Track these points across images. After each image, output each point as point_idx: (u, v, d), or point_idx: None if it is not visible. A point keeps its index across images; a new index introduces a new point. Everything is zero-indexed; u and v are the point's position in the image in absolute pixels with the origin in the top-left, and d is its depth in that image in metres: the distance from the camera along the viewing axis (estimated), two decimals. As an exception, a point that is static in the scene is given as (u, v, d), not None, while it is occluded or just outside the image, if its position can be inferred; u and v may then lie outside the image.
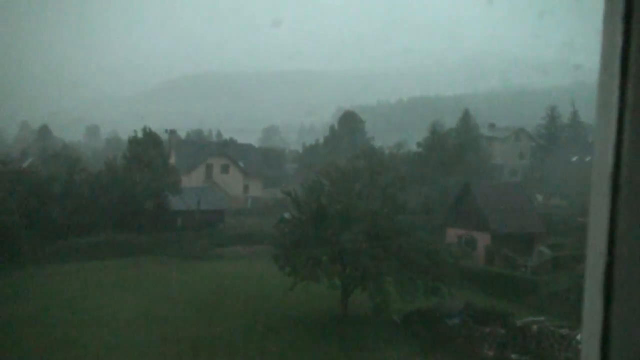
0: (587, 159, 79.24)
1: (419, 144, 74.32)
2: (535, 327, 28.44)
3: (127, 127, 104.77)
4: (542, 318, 30.29)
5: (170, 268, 47.73)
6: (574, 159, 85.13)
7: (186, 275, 44.90)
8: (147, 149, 63.59)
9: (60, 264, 47.46)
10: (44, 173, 62.41)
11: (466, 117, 76.82)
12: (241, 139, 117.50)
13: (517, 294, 37.96)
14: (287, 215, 38.39)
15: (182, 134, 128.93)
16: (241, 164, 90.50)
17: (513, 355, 27.78)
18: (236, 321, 32.64)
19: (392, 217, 33.40)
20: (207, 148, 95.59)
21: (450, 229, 51.39)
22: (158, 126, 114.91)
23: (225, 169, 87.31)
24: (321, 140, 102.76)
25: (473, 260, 45.44)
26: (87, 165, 70.40)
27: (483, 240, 48.13)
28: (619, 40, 1.39)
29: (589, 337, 1.46)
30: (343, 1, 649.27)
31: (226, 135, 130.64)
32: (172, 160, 78.60)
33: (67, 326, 30.99)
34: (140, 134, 63.98)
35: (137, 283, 42.26)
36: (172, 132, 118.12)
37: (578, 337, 24.62)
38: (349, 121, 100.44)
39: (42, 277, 43.41)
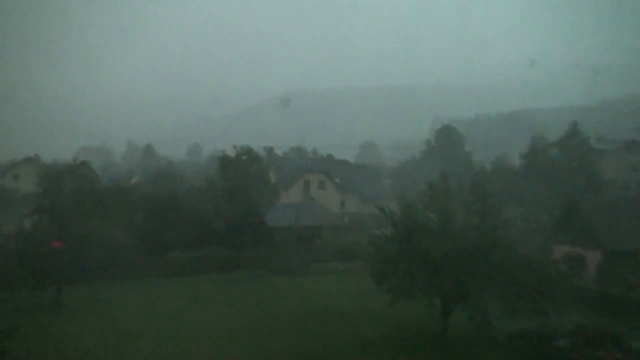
0: None
1: (522, 157, 72.01)
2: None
3: (227, 145, 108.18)
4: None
5: (269, 283, 48.68)
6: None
7: (284, 290, 45.60)
8: (246, 167, 65.42)
9: (164, 278, 49.47)
10: (149, 190, 65.33)
11: (574, 129, 73.40)
12: (338, 156, 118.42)
13: (633, 316, 35.65)
14: (378, 232, 38.03)
15: (280, 152, 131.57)
16: (338, 180, 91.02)
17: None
18: (334, 338, 32.65)
19: (494, 233, 32.34)
20: (304, 165, 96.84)
21: (556, 246, 49.17)
22: (257, 144, 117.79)
23: (322, 185, 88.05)
24: (418, 155, 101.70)
25: (582, 279, 43.21)
26: (189, 183, 73.22)
27: (593, 258, 45.68)
28: None
29: None
30: (436, 15, 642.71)
31: (323, 152, 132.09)
32: (271, 177, 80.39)
33: (172, 340, 32.11)
34: (237, 152, 65.88)
35: (237, 298, 43.30)
36: (270, 150, 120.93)
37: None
38: (447, 135, 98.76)
39: (146, 291, 45.28)
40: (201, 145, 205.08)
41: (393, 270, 31.48)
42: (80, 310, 39.21)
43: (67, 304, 40.11)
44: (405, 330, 34.05)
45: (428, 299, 30.29)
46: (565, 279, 33.25)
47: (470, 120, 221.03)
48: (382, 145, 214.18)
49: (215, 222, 56.97)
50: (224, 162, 65.65)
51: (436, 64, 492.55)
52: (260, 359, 29.41)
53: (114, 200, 53.91)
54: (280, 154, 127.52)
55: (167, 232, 54.32)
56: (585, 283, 42.44)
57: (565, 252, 47.35)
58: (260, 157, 72.60)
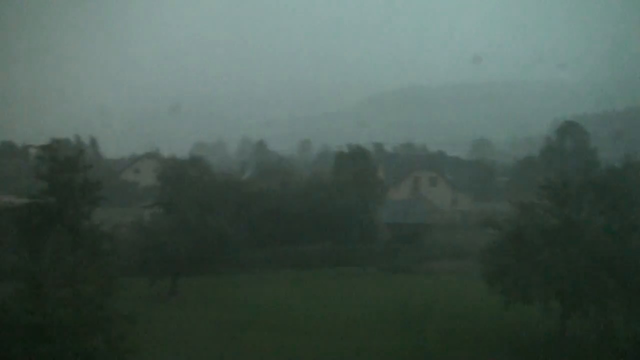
0: None
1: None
2: None
3: (337, 141, 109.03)
4: None
5: (378, 280, 48.56)
6: None
7: (394, 287, 45.30)
8: (355, 163, 65.84)
9: (274, 271, 50.57)
10: (261, 184, 67.03)
11: None
12: (450, 152, 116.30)
13: None
14: (492, 232, 36.74)
15: (390, 148, 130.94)
16: (449, 177, 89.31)
17: None
18: (446, 336, 32.07)
19: (622, 237, 30.40)
20: (414, 161, 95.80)
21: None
22: (366, 140, 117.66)
23: (433, 182, 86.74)
24: (535, 152, 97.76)
25: None
26: (299, 179, 74.48)
27: None
28: None
29: None
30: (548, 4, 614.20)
31: (434, 149, 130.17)
32: (380, 173, 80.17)
33: (286, 332, 32.89)
34: (347, 148, 66.35)
35: (347, 293, 43.51)
36: (380, 146, 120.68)
37: None
38: (570, 132, 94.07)
39: (259, 284, 46.45)
40: (311, 141, 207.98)
41: (506, 272, 30.41)
42: (196, 300, 40.88)
43: (183, 294, 41.90)
44: (519, 334, 32.78)
45: (545, 302, 29.00)
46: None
47: (596, 116, 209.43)
48: (497, 141, 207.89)
49: (323, 218, 57.53)
50: (338, 158, 66.40)
51: (552, 58, 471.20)
52: (375, 355, 29.51)
53: (228, 194, 55.72)
54: (390, 151, 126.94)
55: (278, 226, 55.47)
56: None
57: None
58: (370, 154, 72.65)
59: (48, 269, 21.29)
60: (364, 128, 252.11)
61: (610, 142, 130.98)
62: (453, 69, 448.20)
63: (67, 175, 28.81)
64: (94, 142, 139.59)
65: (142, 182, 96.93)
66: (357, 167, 66.37)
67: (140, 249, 43.31)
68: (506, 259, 31.22)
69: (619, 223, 30.68)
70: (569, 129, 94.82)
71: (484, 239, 36.44)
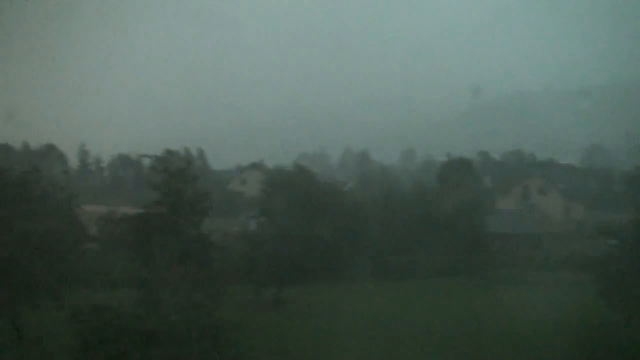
0: None
1: None
2: None
3: (441, 151, 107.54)
4: None
5: (485, 291, 47.20)
6: None
7: (502, 300, 43.82)
8: (458, 172, 64.74)
9: (378, 282, 50.27)
10: (363, 194, 67.08)
11: None
12: (561, 160, 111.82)
13: None
14: (609, 243, 34.79)
15: (497, 156, 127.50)
16: (561, 185, 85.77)
17: None
18: (557, 355, 30.48)
19: None
20: (523, 169, 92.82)
21: None
22: (472, 148, 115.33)
23: (543, 191, 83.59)
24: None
25: None
26: (402, 188, 73.96)
27: None
28: None
29: None
30: None
31: (543, 156, 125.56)
32: (487, 182, 78.29)
33: (381, 342, 32.44)
34: (450, 157, 65.35)
35: (448, 304, 42.68)
36: (485, 154, 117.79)
37: None
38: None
39: (361, 294, 46.35)
40: (415, 150, 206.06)
41: (623, 288, 28.67)
42: (301, 309, 41.28)
43: (286, 303, 42.48)
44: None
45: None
46: None
47: None
48: (613, 148, 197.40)
49: (427, 228, 56.75)
50: (442, 168, 65.73)
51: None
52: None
53: (332, 204, 56.03)
54: (497, 159, 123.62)
55: (382, 236, 55.21)
56: None
57: None
58: (473, 163, 71.13)
59: (160, 276, 22.19)
60: (468, 137, 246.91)
61: None
62: (561, 74, 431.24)
63: (177, 186, 30.00)
64: (201, 153, 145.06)
65: (247, 193, 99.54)
66: (461, 176, 65.19)
67: (247, 258, 44.36)
68: (626, 271, 29.47)
69: None
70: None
71: (600, 250, 34.55)
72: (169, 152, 32.97)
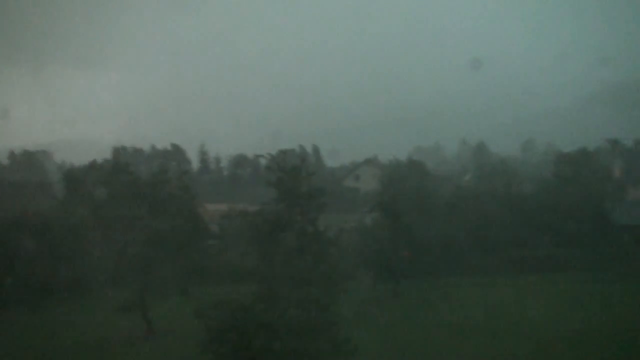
0: None
1: None
2: None
3: (564, 140, 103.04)
4: None
5: (610, 288, 44.88)
6: None
7: (626, 296, 41.49)
8: (581, 162, 62.26)
9: (498, 276, 49.17)
10: (482, 187, 65.69)
11: None
12: None
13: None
14: None
15: (629, 144, 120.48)
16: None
17: None
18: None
19: None
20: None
21: None
22: (598, 136, 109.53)
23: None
24: None
25: None
26: (522, 180, 71.79)
27: None
28: None
29: None
30: None
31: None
32: (617, 172, 74.39)
33: (506, 338, 31.85)
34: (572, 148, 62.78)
35: (575, 300, 41.10)
36: (615, 142, 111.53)
37: None
38: None
39: (480, 288, 45.56)
40: (535, 140, 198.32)
41: None
42: (417, 303, 41.26)
43: (405, 297, 42.58)
44: None
45: None
46: None
47: None
48: None
49: (551, 220, 54.76)
50: (562, 158, 63.37)
51: None
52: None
53: (448, 197, 55.51)
54: (629, 147, 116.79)
55: (501, 229, 53.87)
56: None
57: None
58: (596, 153, 67.82)
59: (279, 272, 23.04)
60: (595, 123, 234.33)
61: None
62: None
63: (292, 183, 30.92)
64: (316, 151, 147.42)
65: (362, 188, 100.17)
66: (584, 167, 62.45)
67: (363, 253, 44.83)
68: None
69: None
70: None
71: None
72: (283, 152, 34.06)
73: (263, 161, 35.08)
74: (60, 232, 49.67)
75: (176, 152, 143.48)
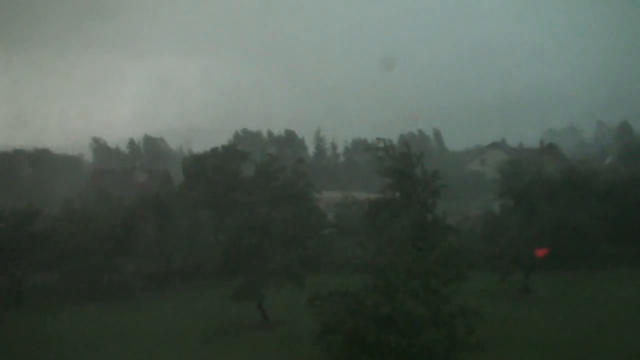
0: None
1: None
2: None
3: None
4: None
5: None
6: None
7: None
8: None
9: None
10: (624, 172, 61.94)
11: None
12: None
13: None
14: None
15: None
16: None
17: None
18: None
19: None
20: None
21: None
22: None
23: None
24: None
25: None
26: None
27: None
28: None
29: None
30: None
31: None
32: None
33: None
34: None
35: None
36: None
37: None
38: None
39: (622, 283, 43.09)
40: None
41: None
42: (549, 298, 39.65)
43: (535, 292, 41.04)
44: None
45: None
46: None
47: None
48: None
49: None
50: None
51: None
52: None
53: (583, 184, 52.85)
54: None
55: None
56: None
57: None
58: None
59: (395, 262, 22.84)
60: None
61: None
62: None
63: (404, 169, 30.74)
64: (438, 134, 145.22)
65: (488, 174, 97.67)
66: None
67: (489, 243, 43.60)
68: None
69: None
70: None
71: None
72: (387, 141, 33.90)
73: (377, 149, 35.12)
74: (179, 219, 52.12)
75: (291, 138, 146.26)
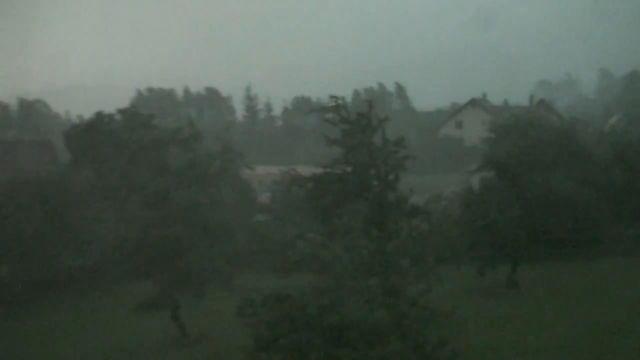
0: None
1: None
2: None
3: None
4: None
5: None
6: None
7: None
8: None
9: None
10: (633, 134, 63.13)
11: None
12: None
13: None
14: None
15: None
16: None
17: None
18: None
19: None
20: None
21: None
22: None
23: None
24: None
25: None
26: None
27: None
28: None
29: None
30: None
31: None
32: None
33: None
34: None
35: None
36: None
37: None
38: None
39: (621, 271, 44.35)
40: None
41: None
42: (541, 294, 40.44)
43: (523, 286, 41.83)
44: None
45: None
46: None
47: None
48: None
49: None
50: None
51: None
52: None
53: (582, 147, 53.77)
54: None
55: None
56: None
57: None
58: None
59: (347, 256, 22.89)
60: None
61: None
62: None
63: (359, 136, 30.70)
64: (401, 90, 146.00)
65: (466, 140, 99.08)
66: None
67: (467, 228, 43.89)
68: None
69: None
70: None
71: None
72: (340, 98, 33.52)
73: (324, 109, 34.81)
74: (69, 208, 51.11)
75: (214, 98, 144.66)
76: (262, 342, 21.59)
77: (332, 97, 33.62)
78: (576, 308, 37.30)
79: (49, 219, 49.71)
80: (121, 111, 61.47)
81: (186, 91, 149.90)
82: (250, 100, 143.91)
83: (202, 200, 39.58)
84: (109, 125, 59.32)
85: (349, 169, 32.35)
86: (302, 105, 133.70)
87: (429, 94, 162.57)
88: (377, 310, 21.38)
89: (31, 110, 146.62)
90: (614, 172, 53.01)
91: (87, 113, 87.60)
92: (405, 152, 33.08)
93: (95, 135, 58.65)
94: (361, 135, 31.22)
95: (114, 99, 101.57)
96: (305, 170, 42.87)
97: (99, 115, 60.38)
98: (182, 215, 37.34)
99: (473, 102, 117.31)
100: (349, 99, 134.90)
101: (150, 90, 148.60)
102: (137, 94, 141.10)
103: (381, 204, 30.64)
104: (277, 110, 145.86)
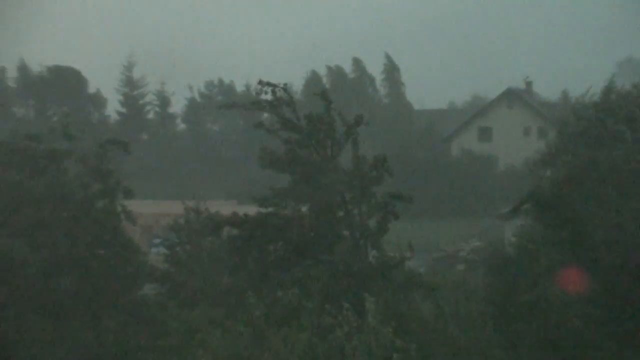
0: None
1: None
2: None
3: None
4: None
5: None
6: None
7: None
8: None
9: None
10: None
11: None
12: None
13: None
14: None
15: None
16: None
17: None
18: None
19: None
20: None
21: None
22: None
23: None
24: None
25: None
26: None
27: None
28: None
29: None
30: None
31: None
32: None
33: None
34: None
35: None
36: None
37: None
38: None
39: None
40: None
41: None
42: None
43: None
44: None
45: None
46: None
47: None
48: None
49: None
50: None
51: None
52: None
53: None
54: None
55: None
56: None
57: None
58: None
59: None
60: None
61: None
62: None
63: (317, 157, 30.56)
64: (391, 70, 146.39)
65: (501, 157, 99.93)
66: None
67: (500, 314, 43.92)
68: None
69: None
70: None
71: None
72: (278, 87, 33.00)
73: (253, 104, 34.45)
74: None
75: (66, 78, 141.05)
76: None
77: (263, 83, 32.98)
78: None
79: None
80: None
81: (22, 70, 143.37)
82: (131, 85, 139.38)
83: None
84: None
85: (301, 208, 32.12)
86: (218, 94, 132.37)
87: (430, 84, 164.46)
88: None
89: None
90: None
91: None
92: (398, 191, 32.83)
93: None
94: (320, 151, 30.85)
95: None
96: (227, 207, 42.16)
97: None
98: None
99: (510, 95, 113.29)
100: (299, 86, 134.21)
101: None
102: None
103: (350, 269, 30.28)
104: (179, 105, 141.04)
